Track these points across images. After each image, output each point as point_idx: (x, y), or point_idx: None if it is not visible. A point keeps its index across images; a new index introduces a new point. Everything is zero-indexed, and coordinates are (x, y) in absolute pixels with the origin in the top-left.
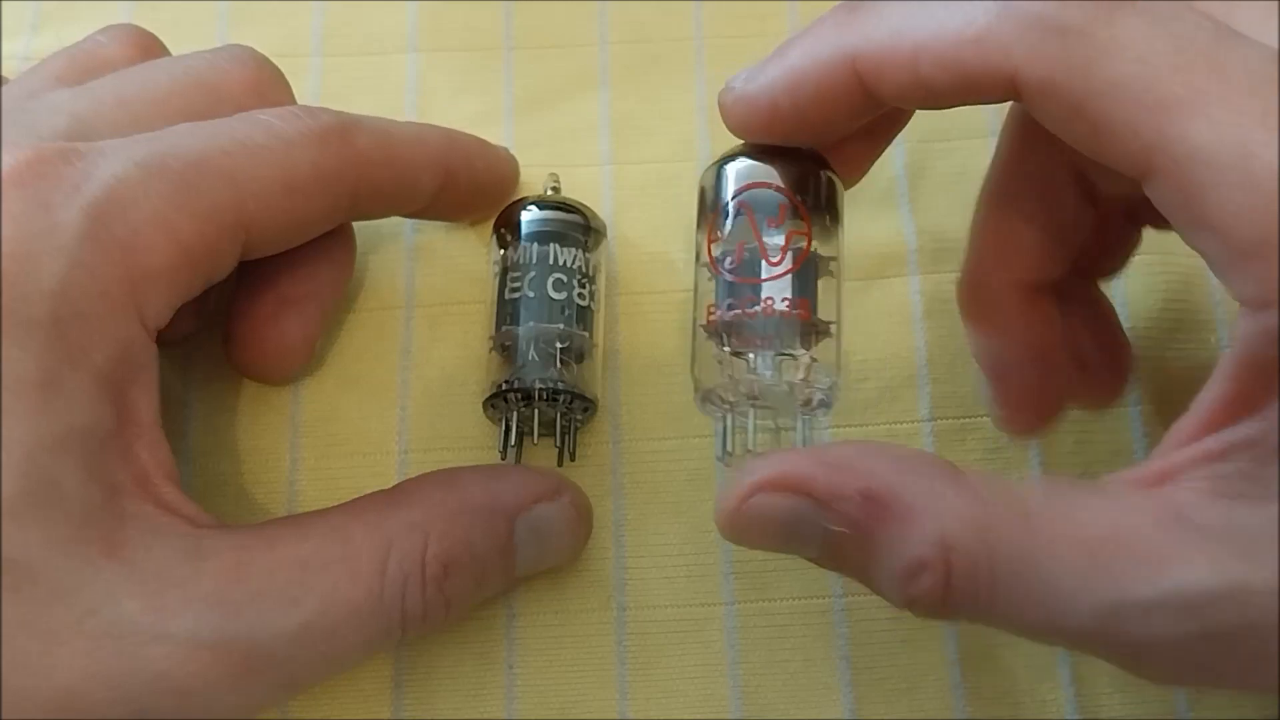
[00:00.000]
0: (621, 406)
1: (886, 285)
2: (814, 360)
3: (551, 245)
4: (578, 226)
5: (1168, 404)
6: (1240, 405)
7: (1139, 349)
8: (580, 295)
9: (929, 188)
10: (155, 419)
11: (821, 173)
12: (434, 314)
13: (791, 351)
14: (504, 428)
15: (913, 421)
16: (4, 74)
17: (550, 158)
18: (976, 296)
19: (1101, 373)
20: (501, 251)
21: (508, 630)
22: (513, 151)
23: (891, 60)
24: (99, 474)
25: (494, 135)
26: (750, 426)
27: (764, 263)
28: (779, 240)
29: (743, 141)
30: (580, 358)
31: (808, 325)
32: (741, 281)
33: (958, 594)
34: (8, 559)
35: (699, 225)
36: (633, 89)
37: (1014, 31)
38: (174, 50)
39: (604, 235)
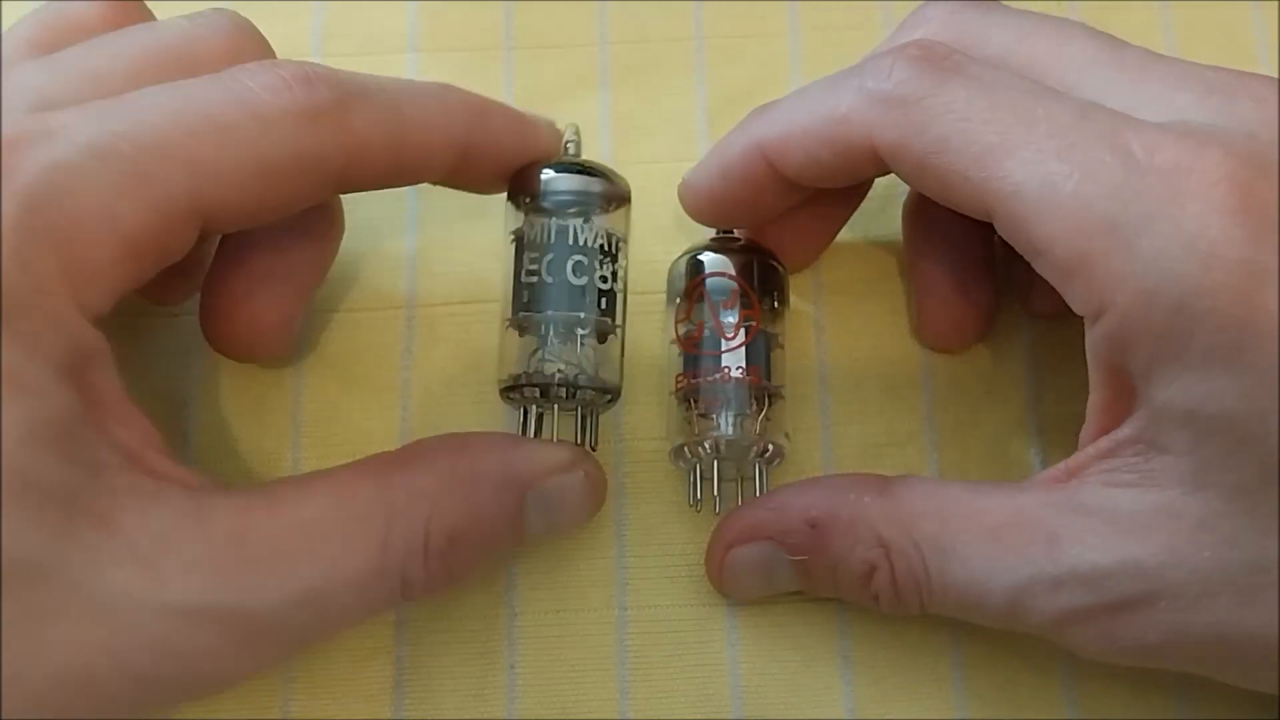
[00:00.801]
0: (624, 407)
1: (887, 285)
2: (767, 419)
3: (571, 221)
4: (598, 194)
5: None
6: (1117, 406)
7: None
8: (601, 278)
9: None
10: (123, 397)
11: (767, 263)
12: (435, 314)
13: (746, 412)
14: (522, 414)
15: (913, 420)
16: None
17: None
18: (915, 217)
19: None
20: (518, 218)
21: (509, 630)
22: None
23: (786, 143)
24: (78, 457)
25: None
26: (714, 476)
27: (721, 339)
28: (732, 319)
29: (707, 239)
30: (602, 340)
31: (759, 389)
32: (704, 354)
33: (904, 586)
34: None
35: (668, 308)
36: (633, 89)
37: (867, 109)
38: None
39: (628, 199)
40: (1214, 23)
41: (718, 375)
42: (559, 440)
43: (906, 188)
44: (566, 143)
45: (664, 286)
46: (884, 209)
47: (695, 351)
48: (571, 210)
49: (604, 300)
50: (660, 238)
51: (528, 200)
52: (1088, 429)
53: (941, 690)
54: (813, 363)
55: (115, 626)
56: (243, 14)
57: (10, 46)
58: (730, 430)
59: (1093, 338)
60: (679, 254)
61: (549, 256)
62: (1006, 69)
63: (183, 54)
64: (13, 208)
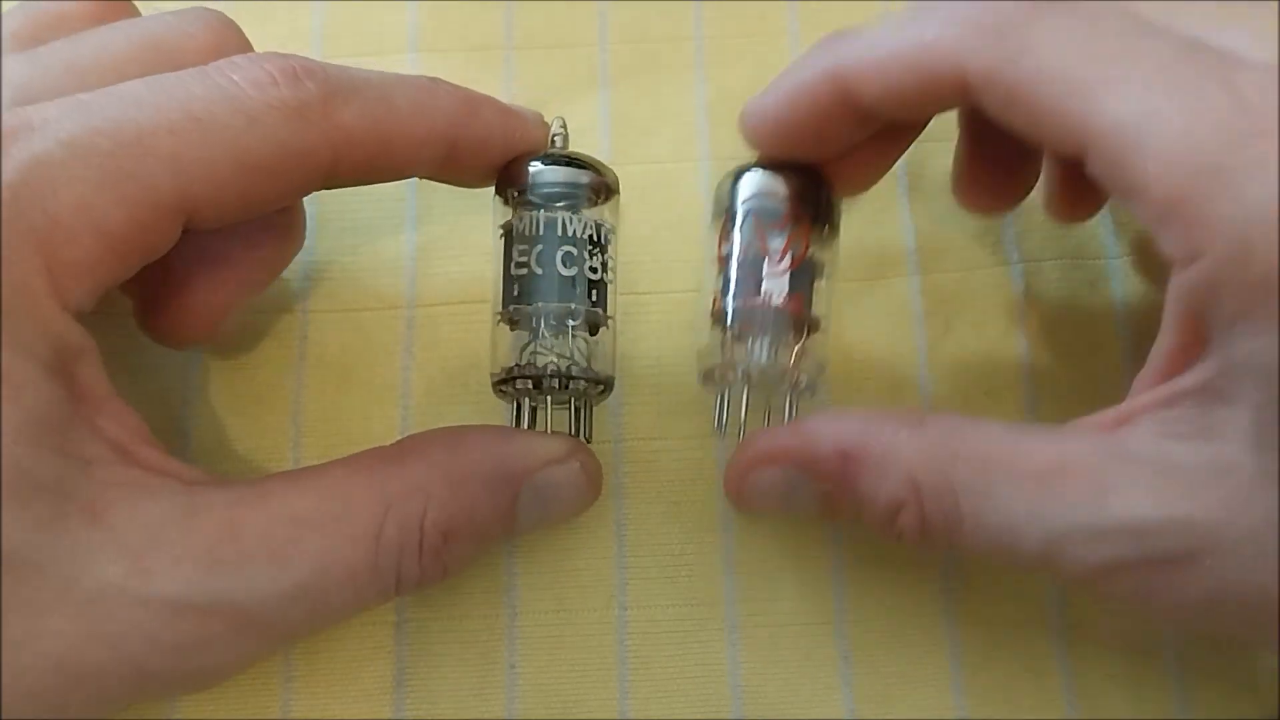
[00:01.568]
0: (623, 406)
1: (886, 285)
2: (804, 350)
3: (560, 213)
4: (587, 186)
5: None
6: (1185, 354)
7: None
8: (592, 269)
9: (929, 188)
10: (110, 392)
11: (821, 187)
12: (436, 314)
13: (784, 340)
14: (515, 407)
15: None
16: None
17: None
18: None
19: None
20: (506, 211)
21: (509, 630)
22: None
23: (867, 72)
24: (69, 452)
25: None
26: (744, 403)
27: (765, 262)
28: (779, 243)
29: (756, 155)
30: (594, 331)
31: (799, 319)
32: (747, 276)
33: (933, 526)
34: None
35: (712, 226)
36: (633, 89)
37: (957, 35)
38: None
39: (617, 190)
40: None
41: (758, 300)
42: (553, 432)
43: (907, 185)
44: (554, 136)
45: (664, 287)
46: (885, 210)
47: (734, 272)
48: (560, 203)
49: (594, 291)
50: (660, 238)
51: (516, 194)
52: (1146, 375)
53: (941, 690)
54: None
55: (108, 618)
56: (244, 14)
57: None
58: (764, 358)
59: (1180, 281)
60: (680, 249)
61: (538, 248)
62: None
63: (166, 48)
64: None
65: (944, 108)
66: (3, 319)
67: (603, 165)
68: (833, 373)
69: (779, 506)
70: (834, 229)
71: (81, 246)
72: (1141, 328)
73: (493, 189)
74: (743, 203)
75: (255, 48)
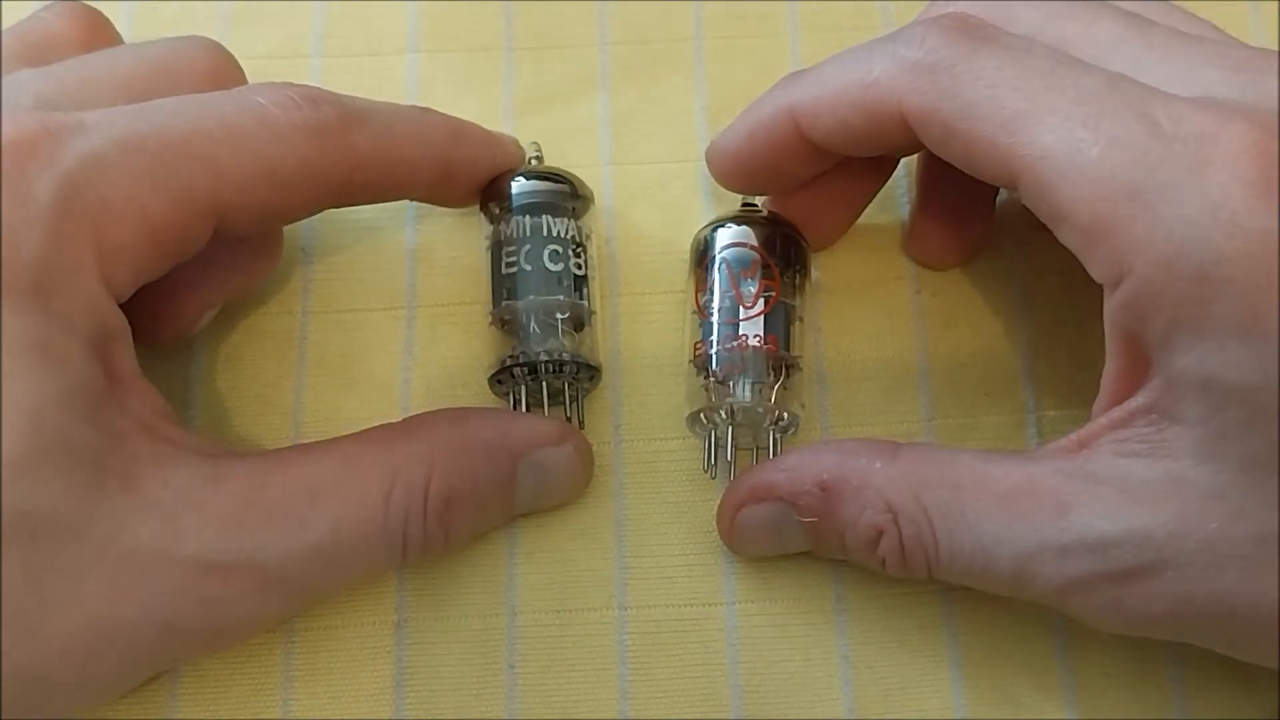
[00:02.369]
0: (623, 406)
1: (886, 286)
2: (784, 388)
3: (544, 217)
4: (567, 195)
5: None
6: (1132, 376)
7: None
8: (576, 265)
9: None
10: (138, 373)
11: (790, 236)
12: (436, 314)
13: (764, 380)
14: (512, 402)
15: (913, 421)
16: None
17: (550, 158)
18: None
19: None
20: (492, 226)
21: (509, 630)
22: None
23: (817, 107)
24: (103, 424)
25: None
26: (729, 443)
27: (740, 307)
28: (752, 289)
29: (730, 211)
30: (580, 326)
31: (776, 358)
32: (725, 322)
33: (911, 550)
34: (26, 510)
35: (690, 277)
36: (633, 89)
37: (898, 74)
38: None
39: (592, 201)
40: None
41: (735, 343)
42: (550, 417)
43: (907, 186)
44: (531, 157)
45: (664, 287)
46: (884, 210)
47: (714, 319)
48: (543, 211)
49: (580, 286)
50: (660, 238)
51: (501, 207)
52: (1101, 399)
53: (941, 690)
54: (811, 365)
55: (141, 577)
56: (244, 14)
57: None
58: (747, 397)
59: (1111, 305)
60: (680, 249)
61: (526, 247)
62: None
63: (170, 71)
64: (53, 191)
65: (890, 142)
66: (53, 294)
67: (577, 178)
68: (833, 373)
69: (770, 544)
70: (805, 275)
71: (128, 235)
72: None
73: (478, 207)
74: (718, 253)
75: (255, 48)
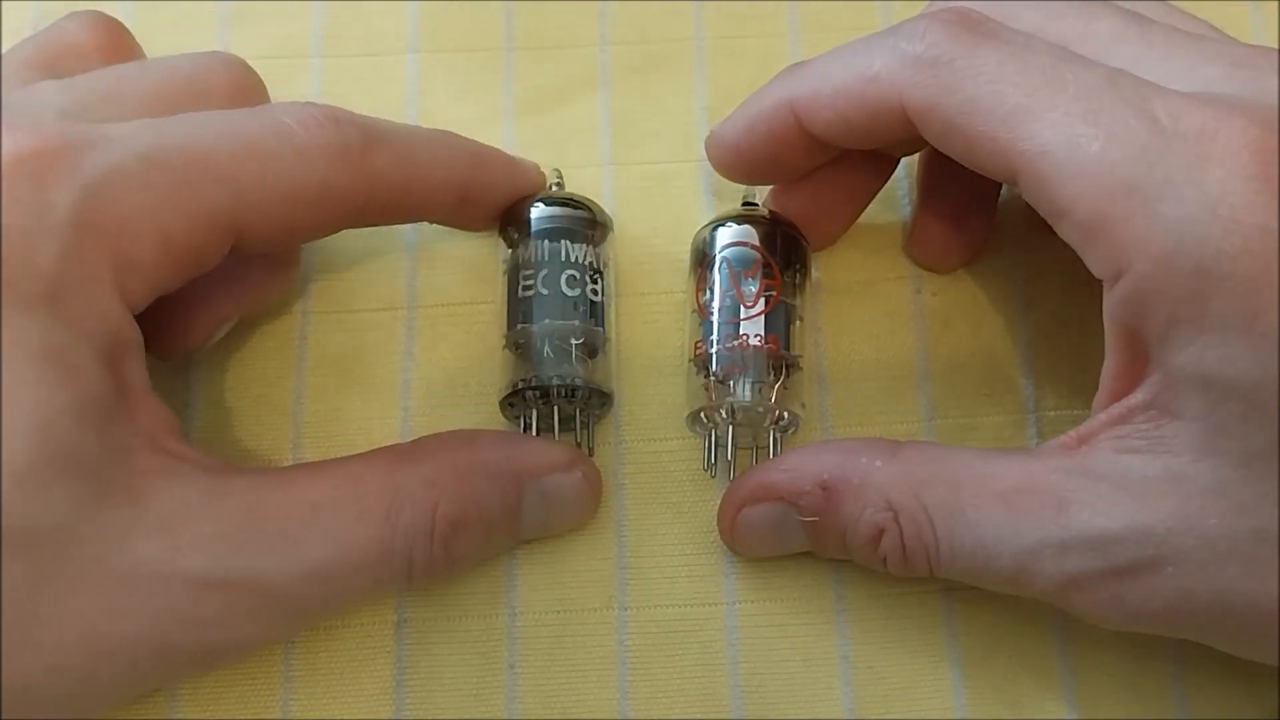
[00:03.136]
0: (623, 407)
1: (886, 286)
2: (784, 388)
3: (563, 242)
4: (586, 222)
5: None
6: (1131, 372)
7: None
8: (593, 291)
9: None
10: (148, 387)
11: (790, 236)
12: (436, 314)
13: (764, 379)
14: (523, 426)
15: (913, 422)
16: None
17: (550, 158)
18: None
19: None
20: (510, 250)
21: (509, 630)
22: (513, 152)
23: (817, 100)
24: (110, 436)
25: (494, 136)
26: (729, 442)
27: (741, 306)
28: (753, 288)
29: (731, 210)
30: (594, 352)
31: (776, 357)
32: (726, 321)
33: (912, 548)
34: (29, 519)
35: (690, 277)
36: (633, 89)
37: (899, 69)
38: (174, 50)
39: (610, 229)
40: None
41: (736, 342)
42: (559, 441)
43: (908, 187)
44: (552, 184)
45: (664, 287)
46: (885, 210)
47: (714, 318)
48: (562, 236)
49: (596, 311)
50: (661, 238)
51: (520, 231)
52: (1101, 395)
53: (941, 690)
54: (811, 365)
55: (139, 594)
56: (244, 14)
57: (9, 67)
58: (747, 397)
59: (1111, 300)
60: (680, 249)
61: (544, 271)
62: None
63: (194, 86)
64: (72, 202)
65: (891, 137)
66: (68, 303)
67: (597, 205)
68: (833, 373)
69: (771, 543)
70: (806, 274)
71: (145, 249)
72: None
73: (496, 232)
74: (718, 252)
75: (255, 48)
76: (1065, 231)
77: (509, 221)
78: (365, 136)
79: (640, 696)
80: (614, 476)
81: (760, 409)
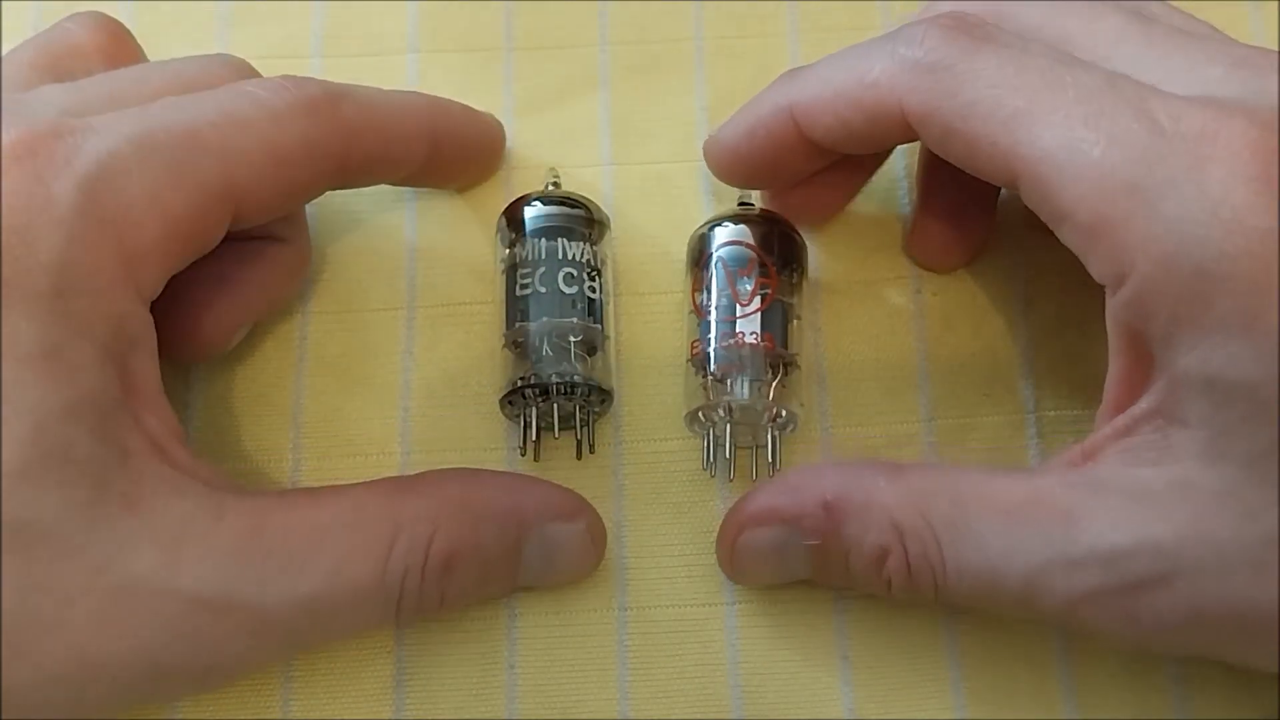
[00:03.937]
0: (623, 407)
1: (886, 286)
2: (782, 386)
3: (560, 240)
4: (584, 220)
5: None
6: (1136, 380)
7: None
8: (590, 288)
9: None
10: (158, 387)
11: (786, 235)
12: (436, 314)
13: (762, 378)
14: (523, 424)
15: (913, 422)
16: None
17: (550, 158)
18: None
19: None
20: (508, 249)
21: (509, 630)
22: (513, 152)
23: (816, 106)
24: (110, 439)
25: None
26: (728, 441)
27: (737, 305)
28: (748, 287)
29: (728, 210)
30: (593, 350)
31: (773, 355)
32: (722, 320)
33: (917, 570)
34: (22, 521)
35: (687, 276)
36: (633, 89)
37: (898, 74)
38: (174, 49)
39: (608, 227)
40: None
41: (733, 341)
42: (567, 489)
43: (908, 187)
44: (549, 183)
45: (664, 287)
46: (884, 210)
47: (711, 317)
48: (559, 234)
49: (594, 309)
50: (661, 238)
51: (517, 230)
52: (1105, 406)
53: (941, 690)
54: (811, 365)
55: (134, 607)
56: (244, 14)
57: (12, 68)
58: (745, 395)
59: (1113, 304)
60: (680, 249)
61: (541, 270)
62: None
63: (196, 88)
64: (74, 194)
65: (890, 141)
66: (71, 299)
67: (594, 204)
68: (833, 373)
69: (773, 568)
70: (803, 273)
71: (151, 233)
72: None
73: (494, 223)
74: (714, 251)
75: (255, 48)
76: (1066, 236)
77: (506, 220)
78: (327, 91)
79: (640, 696)
80: (614, 476)
81: (759, 407)
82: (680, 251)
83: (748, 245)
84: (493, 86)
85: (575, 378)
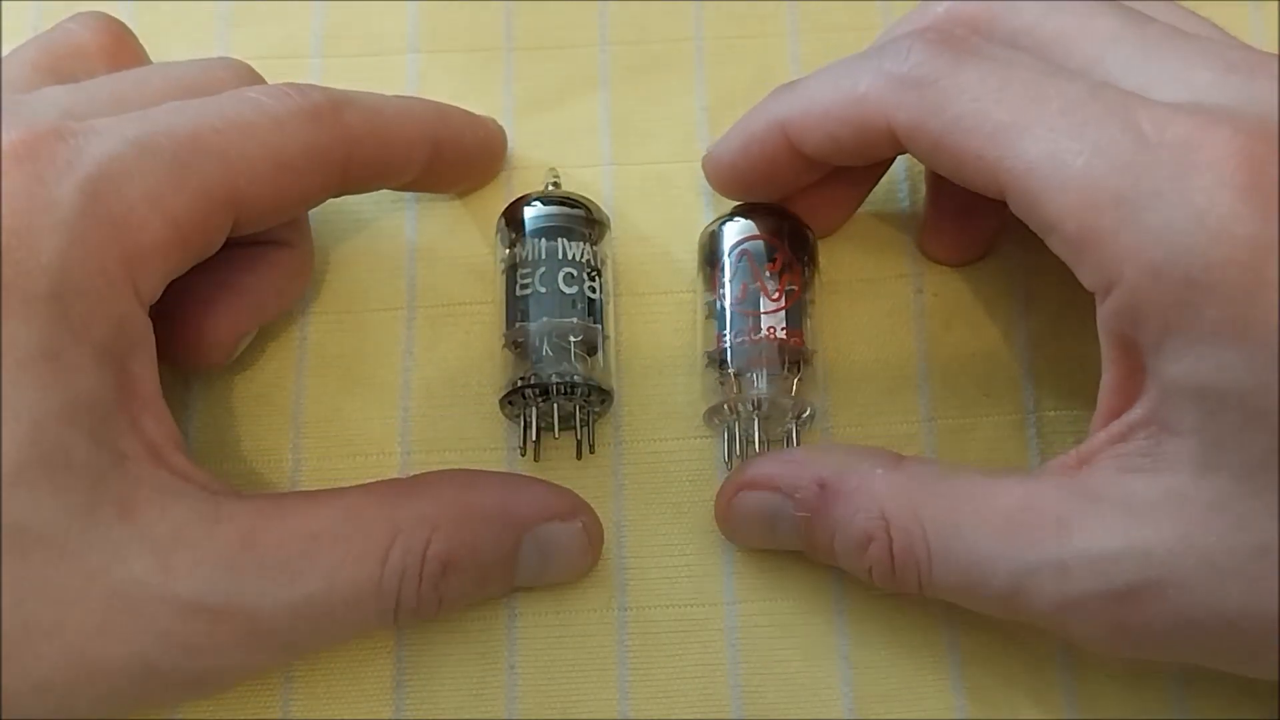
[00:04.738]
0: (623, 407)
1: (886, 286)
2: (802, 380)
3: (559, 240)
4: (583, 220)
5: None
6: (1128, 388)
7: None
8: (590, 288)
9: None
10: (157, 391)
11: (800, 229)
12: (436, 314)
13: (784, 372)
14: (523, 424)
15: (913, 422)
16: None
17: (550, 158)
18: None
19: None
20: (508, 250)
21: (509, 630)
22: (513, 152)
23: (806, 122)
24: (107, 443)
25: None
26: (756, 437)
27: (764, 299)
28: (775, 282)
29: (734, 206)
30: (593, 350)
31: (799, 352)
32: (745, 314)
33: (901, 562)
34: (18, 525)
35: (700, 272)
36: (633, 89)
37: (885, 89)
38: (174, 50)
39: (608, 227)
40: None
41: (761, 336)
42: (563, 488)
43: (908, 187)
44: (549, 183)
45: (664, 287)
46: (884, 209)
47: (733, 312)
48: (559, 234)
49: (594, 309)
50: (661, 238)
51: (517, 230)
52: (1099, 413)
53: (941, 690)
54: (810, 364)
55: (128, 613)
56: (244, 14)
57: (14, 68)
58: (769, 390)
59: (1104, 313)
60: (680, 249)
61: (541, 270)
62: (1028, 43)
63: (199, 88)
64: (75, 196)
65: (882, 155)
66: (71, 300)
67: (594, 203)
68: (833, 373)
69: (762, 533)
70: (815, 267)
71: (151, 236)
72: None
73: (494, 223)
74: (733, 247)
75: (255, 48)
76: (1055, 245)
77: (506, 221)
78: (330, 98)
79: (640, 696)
80: (614, 476)
81: (785, 401)
82: (680, 251)
83: (771, 240)
84: (493, 86)
85: (575, 378)
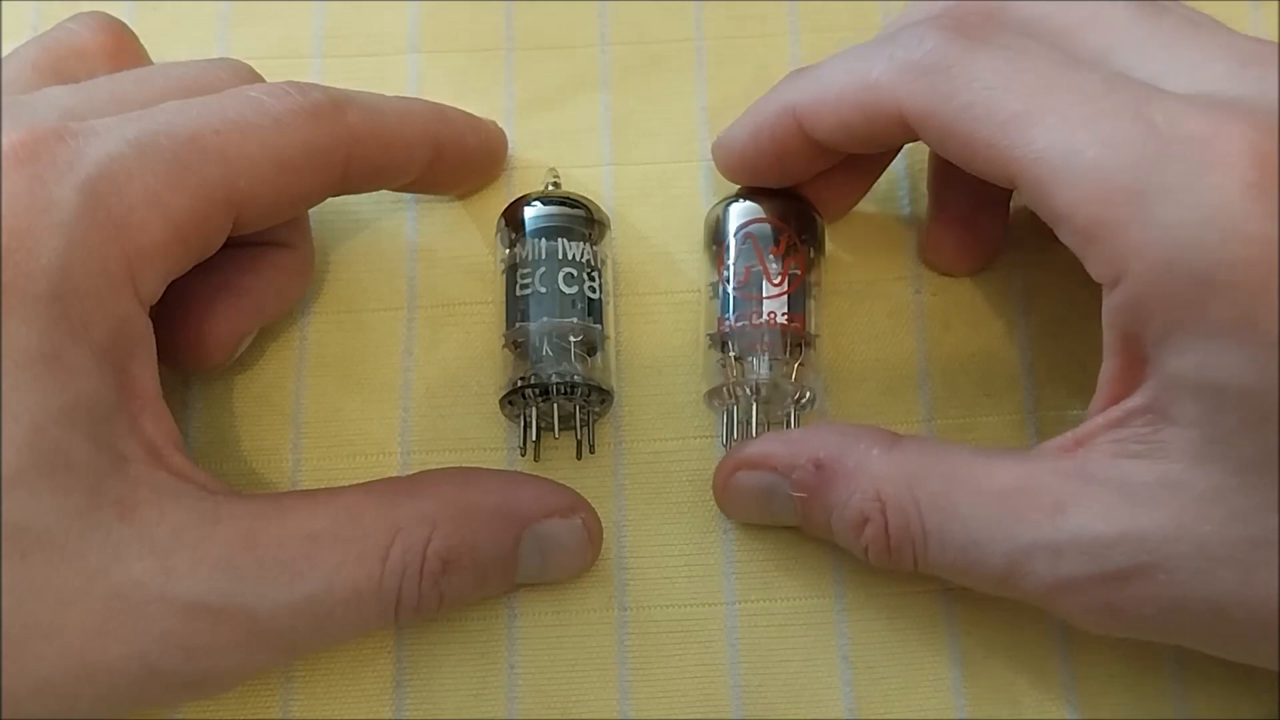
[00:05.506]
0: (623, 407)
1: (887, 286)
2: (803, 364)
3: (559, 240)
4: (583, 220)
5: None
6: (1129, 376)
7: None
8: (590, 288)
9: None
10: (157, 392)
11: (808, 212)
12: (436, 314)
13: (785, 357)
14: (523, 424)
15: (913, 421)
16: None
17: (550, 158)
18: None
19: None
20: (508, 250)
21: (509, 630)
22: (513, 152)
23: (819, 108)
24: (107, 444)
25: None
26: (753, 418)
27: (766, 283)
28: (778, 265)
29: (739, 188)
30: (593, 350)
31: (800, 336)
32: (747, 297)
33: (897, 541)
34: (18, 526)
35: (706, 251)
36: (633, 89)
37: (897, 76)
38: (174, 50)
39: (608, 227)
40: None
41: (760, 320)
42: (562, 485)
43: (908, 187)
44: (549, 184)
45: (664, 287)
46: (884, 210)
47: (736, 294)
48: (559, 234)
49: (594, 309)
50: (661, 238)
51: (517, 230)
52: (1098, 398)
53: (941, 690)
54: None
55: (128, 615)
56: (244, 14)
57: (15, 68)
58: (769, 373)
59: (1109, 304)
60: (680, 249)
61: (541, 270)
62: (1041, 33)
63: (200, 89)
64: (75, 197)
65: (893, 142)
66: (72, 302)
67: (594, 203)
68: (832, 373)
69: (759, 511)
70: (821, 251)
71: (154, 235)
72: None
73: (494, 223)
74: (738, 229)
75: (255, 48)
76: (1064, 236)
77: (506, 221)
78: (331, 98)
79: (640, 696)
80: (614, 476)
81: (785, 383)
82: (680, 251)
83: (776, 223)
84: (493, 87)
85: (575, 378)
